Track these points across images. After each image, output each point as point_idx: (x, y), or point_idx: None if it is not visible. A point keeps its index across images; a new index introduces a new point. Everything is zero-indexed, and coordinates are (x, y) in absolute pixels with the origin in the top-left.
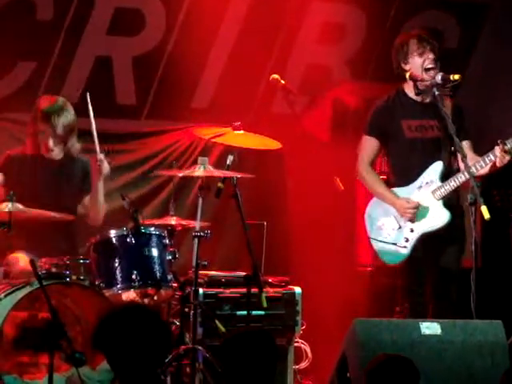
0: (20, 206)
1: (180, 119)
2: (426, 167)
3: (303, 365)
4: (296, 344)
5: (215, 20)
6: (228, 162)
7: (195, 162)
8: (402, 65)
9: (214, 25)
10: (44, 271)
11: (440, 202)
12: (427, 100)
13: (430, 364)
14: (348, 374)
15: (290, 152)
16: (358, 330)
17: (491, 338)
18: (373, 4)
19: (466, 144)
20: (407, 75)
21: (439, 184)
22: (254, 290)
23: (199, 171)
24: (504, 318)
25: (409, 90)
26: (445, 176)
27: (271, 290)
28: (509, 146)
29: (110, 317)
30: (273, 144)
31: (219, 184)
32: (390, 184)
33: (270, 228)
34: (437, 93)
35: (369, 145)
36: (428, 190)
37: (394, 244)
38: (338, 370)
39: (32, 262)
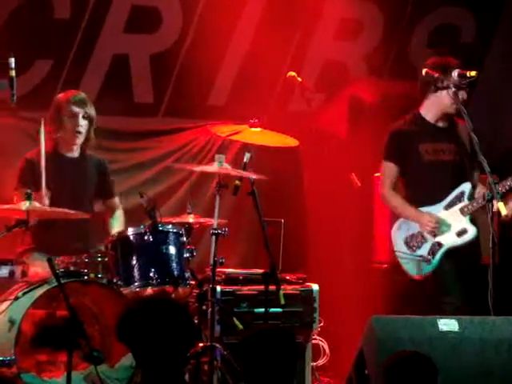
0: (37, 205)
1: (197, 117)
2: (451, 188)
3: (321, 362)
4: (314, 341)
5: (232, 17)
6: (245, 160)
7: (212, 160)
8: (430, 86)
9: (231, 22)
10: (62, 269)
11: (467, 218)
12: (442, 124)
13: (447, 361)
14: (366, 371)
15: (306, 149)
16: (376, 327)
17: (509, 334)
18: (389, 0)
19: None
20: (423, 71)
21: (467, 202)
22: (272, 288)
23: (215, 168)
24: None
25: (426, 113)
26: (472, 196)
27: (289, 287)
28: None
29: (135, 309)
30: (290, 141)
31: (236, 181)
32: (411, 203)
33: (287, 225)
34: (453, 89)
35: (388, 170)
36: (456, 208)
37: (420, 257)
38: (356, 367)
39: (50, 261)
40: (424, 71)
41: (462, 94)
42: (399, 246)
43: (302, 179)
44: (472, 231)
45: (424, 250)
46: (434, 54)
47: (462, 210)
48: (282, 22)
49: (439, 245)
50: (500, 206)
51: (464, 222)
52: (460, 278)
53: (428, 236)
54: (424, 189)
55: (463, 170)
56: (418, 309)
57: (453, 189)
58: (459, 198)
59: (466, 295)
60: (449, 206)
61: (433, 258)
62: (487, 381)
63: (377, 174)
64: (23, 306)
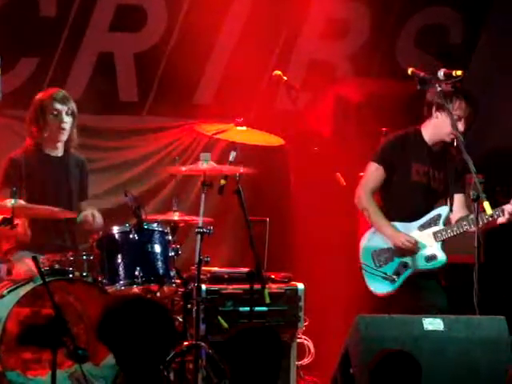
0: (22, 203)
1: (182, 115)
2: (430, 210)
3: (306, 361)
4: (299, 340)
5: (218, 16)
6: (230, 158)
7: (198, 158)
8: (434, 108)
9: (217, 20)
10: (47, 268)
11: (439, 244)
12: (436, 149)
13: (432, 360)
14: (351, 370)
15: (292, 148)
16: (361, 326)
17: (494, 333)
18: (376, 0)
19: (461, 197)
20: (409, 71)
21: (442, 227)
22: (257, 286)
23: (201, 166)
24: (507, 314)
25: (426, 134)
26: (447, 221)
27: (274, 286)
28: None
29: (116, 308)
30: (275, 140)
31: (222, 180)
32: (388, 217)
33: (272, 224)
34: (439, 88)
35: (376, 173)
36: (430, 231)
37: (384, 273)
38: (341, 366)
39: (35, 259)
40: (410, 71)
41: (461, 126)
42: (365, 258)
43: (288, 178)
44: (441, 258)
45: (389, 268)
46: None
47: (435, 235)
48: (268, 20)
49: (405, 266)
50: (486, 206)
51: (435, 248)
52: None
53: (396, 255)
54: (402, 205)
55: (445, 200)
56: (402, 308)
57: (428, 211)
58: (435, 221)
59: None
60: (423, 227)
61: (397, 277)
62: (472, 380)
63: (362, 174)
64: (8, 305)
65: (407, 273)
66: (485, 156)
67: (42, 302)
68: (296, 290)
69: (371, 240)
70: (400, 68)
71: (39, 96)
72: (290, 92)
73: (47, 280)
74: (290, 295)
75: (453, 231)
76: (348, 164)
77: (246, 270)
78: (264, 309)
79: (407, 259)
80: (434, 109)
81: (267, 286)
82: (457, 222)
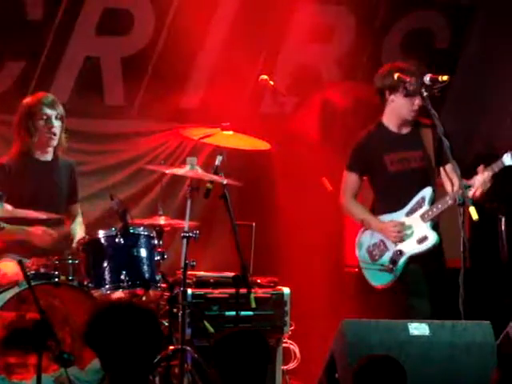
0: (9, 207)
1: (169, 120)
2: (414, 195)
3: (292, 365)
4: (284, 344)
5: (204, 20)
6: (217, 163)
7: (184, 163)
8: (387, 92)
9: (203, 25)
10: (32, 272)
11: (428, 224)
12: (405, 131)
13: (418, 365)
14: (336, 375)
15: (278, 153)
16: (347, 331)
17: (480, 338)
18: (362, 4)
19: (447, 168)
20: (395, 76)
21: (428, 207)
22: (243, 291)
23: (187, 170)
24: (492, 319)
25: (388, 122)
26: (433, 201)
27: (260, 290)
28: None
29: (102, 313)
30: (262, 145)
31: (208, 184)
32: (376, 212)
33: (258, 229)
34: (425, 94)
35: (350, 180)
36: (417, 215)
37: (381, 265)
38: (327, 371)
39: (20, 263)
40: (396, 76)
41: (418, 101)
42: (362, 255)
43: (274, 183)
44: (432, 238)
45: (386, 259)
46: (406, 59)
47: (422, 217)
48: (254, 25)
49: (400, 253)
50: (471, 211)
51: (425, 229)
52: (427, 281)
53: (389, 244)
54: (391, 199)
55: (431, 176)
56: (388, 313)
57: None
58: (420, 204)
59: (434, 299)
60: (410, 213)
61: (394, 266)
62: None
63: None
64: None
65: (404, 259)
66: (471, 160)
67: (27, 306)
68: (282, 294)
69: (364, 238)
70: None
71: (27, 100)
72: (277, 96)
73: (33, 284)
74: (275, 300)
75: (438, 209)
76: (334, 169)
77: (231, 274)
78: (250, 313)
79: (400, 246)
80: (387, 93)
81: (253, 290)
82: (441, 198)
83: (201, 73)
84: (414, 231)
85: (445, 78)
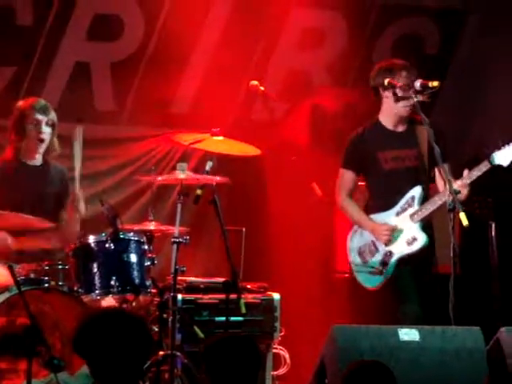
0: None
1: (159, 125)
2: (405, 194)
3: (282, 371)
4: (274, 350)
5: (195, 26)
6: (207, 168)
7: (174, 168)
8: (381, 89)
9: (194, 30)
10: (22, 277)
11: (417, 225)
12: (401, 129)
13: (408, 370)
14: (326, 381)
15: (268, 158)
16: (337, 337)
17: (470, 344)
18: (353, 10)
19: (441, 168)
20: (386, 81)
21: (417, 208)
22: (233, 296)
23: (178, 176)
24: (482, 325)
25: (385, 120)
26: (423, 200)
27: (250, 296)
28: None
29: (92, 320)
30: (252, 150)
31: (198, 190)
32: (369, 210)
33: (248, 234)
34: (415, 99)
35: (345, 178)
36: (406, 214)
37: (372, 267)
38: (317, 376)
39: (10, 268)
40: (387, 81)
41: (412, 92)
42: (352, 257)
43: (264, 188)
44: (422, 239)
45: (376, 260)
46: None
47: (411, 217)
48: (245, 30)
49: (390, 254)
50: (461, 217)
51: (414, 230)
52: (416, 285)
53: (380, 245)
54: (383, 197)
55: (424, 175)
56: (378, 319)
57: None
58: (409, 204)
59: (423, 303)
60: (400, 212)
61: (384, 268)
62: None
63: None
64: None
65: (394, 260)
66: (462, 165)
67: (17, 312)
68: (272, 300)
69: (354, 239)
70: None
71: (20, 104)
72: (267, 102)
73: (23, 289)
74: (265, 305)
75: (427, 209)
76: (324, 174)
77: (221, 279)
78: (240, 319)
79: (390, 247)
80: (381, 90)
81: (243, 295)
82: (431, 199)
83: (191, 78)
84: (404, 232)
85: (435, 83)
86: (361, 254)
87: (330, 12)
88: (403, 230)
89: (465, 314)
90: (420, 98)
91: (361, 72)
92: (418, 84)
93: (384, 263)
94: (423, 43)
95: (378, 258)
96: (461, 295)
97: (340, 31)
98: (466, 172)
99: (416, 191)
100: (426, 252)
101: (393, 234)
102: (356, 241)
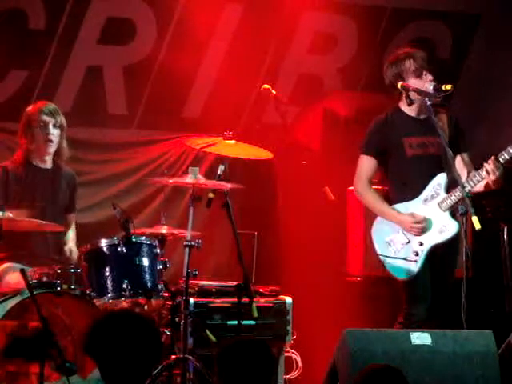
0: (10, 215)
1: (171, 129)
2: (430, 181)
3: (294, 374)
4: (287, 354)
5: (207, 29)
6: (219, 172)
7: (186, 172)
8: (398, 82)
9: (206, 34)
10: (35, 280)
11: (447, 213)
12: (423, 116)
13: (420, 374)
14: None
15: (280, 162)
16: (349, 340)
17: (482, 348)
18: (364, 14)
19: (465, 156)
20: (399, 84)
21: (445, 195)
22: (245, 300)
23: (189, 180)
24: (494, 328)
25: (405, 107)
26: (449, 188)
27: (262, 299)
28: (502, 158)
29: (103, 322)
30: (264, 154)
31: (210, 194)
32: (391, 200)
33: (260, 238)
34: (428, 103)
35: (366, 164)
36: (434, 203)
37: (404, 259)
38: (329, 380)
39: (22, 272)
40: (399, 84)
41: (429, 76)
42: (381, 250)
43: (276, 192)
44: (454, 227)
45: (408, 251)
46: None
47: (440, 205)
48: (257, 34)
49: (421, 244)
50: (474, 220)
51: (444, 218)
52: (433, 287)
53: (410, 235)
54: (406, 185)
55: (446, 163)
56: (390, 322)
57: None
58: (436, 191)
59: (435, 307)
60: (427, 200)
61: (418, 257)
62: None
63: (350, 188)
64: None
65: (426, 250)
66: (474, 168)
67: (29, 315)
68: (284, 303)
69: (381, 229)
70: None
71: (28, 109)
72: (279, 106)
73: (35, 293)
74: (278, 309)
75: (456, 196)
76: (336, 178)
77: (234, 283)
78: (252, 322)
79: (421, 238)
80: (399, 84)
81: (255, 299)
82: (455, 189)
83: (203, 81)
84: (434, 221)
85: (448, 86)
86: (391, 244)
87: (342, 16)
88: (432, 218)
89: (477, 317)
90: (433, 101)
91: (372, 76)
92: (431, 87)
93: (416, 253)
94: (435, 47)
95: (409, 249)
96: (473, 299)
97: (351, 35)
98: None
99: (442, 178)
100: (451, 251)
101: (422, 224)
102: (383, 232)
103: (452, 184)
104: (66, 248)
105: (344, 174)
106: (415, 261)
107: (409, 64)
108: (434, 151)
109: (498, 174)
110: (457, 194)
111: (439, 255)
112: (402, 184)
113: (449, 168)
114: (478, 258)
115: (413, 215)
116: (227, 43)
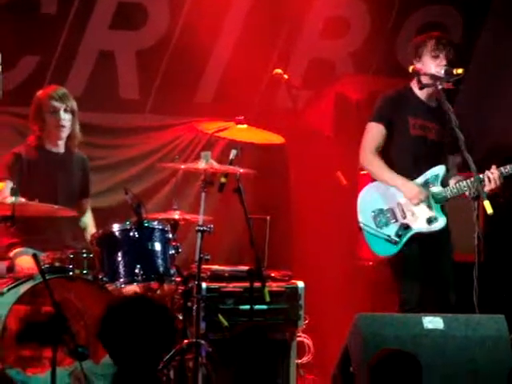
0: (23, 200)
1: (183, 113)
2: (430, 167)
3: (306, 359)
4: (299, 338)
5: (219, 14)
6: (231, 157)
7: (198, 157)
8: (414, 61)
9: (218, 19)
10: (47, 265)
11: (439, 206)
12: (432, 104)
13: (432, 358)
14: (351, 369)
15: (292, 146)
16: (361, 325)
17: (494, 332)
18: None
19: (454, 158)
20: (410, 68)
21: (440, 188)
22: (257, 285)
23: (202, 165)
24: (506, 313)
25: (417, 90)
26: (442, 183)
27: (274, 284)
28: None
29: (117, 307)
30: (276, 138)
31: (222, 178)
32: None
33: (272, 222)
34: (440, 87)
35: (376, 131)
36: (428, 191)
37: (387, 236)
38: (341, 365)
39: (35, 256)
40: (411, 68)
41: (444, 60)
42: (366, 219)
43: (288, 176)
44: (442, 221)
45: (392, 231)
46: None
47: (435, 196)
48: (268, 19)
49: (406, 228)
50: (486, 205)
51: (435, 210)
52: (429, 275)
53: (399, 216)
54: (408, 163)
55: (443, 152)
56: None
57: (431, 168)
58: (433, 182)
59: (428, 286)
60: (424, 186)
61: (399, 239)
62: (472, 378)
63: (363, 172)
64: (8, 302)
65: (409, 234)
66: (484, 154)
67: (42, 300)
68: (296, 288)
69: (369, 199)
70: (399, 65)
71: (38, 94)
72: (291, 90)
73: (47, 277)
74: (290, 293)
75: (452, 192)
76: (349, 162)
77: (246, 268)
78: (264, 307)
79: (408, 220)
80: (410, 68)
81: (267, 284)
82: (456, 183)
83: (215, 66)
84: (426, 208)
85: (460, 70)
86: (374, 217)
87: (354, 0)
88: (426, 206)
89: (489, 302)
90: (444, 85)
91: (384, 60)
92: (442, 71)
93: (399, 235)
94: (447, 31)
95: (393, 228)
96: (485, 283)
97: (363, 19)
98: (494, 167)
99: (441, 170)
100: (442, 237)
101: (424, 198)
102: (371, 201)
103: (447, 178)
104: (87, 234)
105: (356, 158)
106: (395, 242)
107: (430, 45)
108: (433, 137)
109: (498, 184)
110: (454, 190)
111: (429, 244)
112: (404, 161)
113: (446, 159)
114: (489, 243)
115: (421, 190)
116: (239, 28)
